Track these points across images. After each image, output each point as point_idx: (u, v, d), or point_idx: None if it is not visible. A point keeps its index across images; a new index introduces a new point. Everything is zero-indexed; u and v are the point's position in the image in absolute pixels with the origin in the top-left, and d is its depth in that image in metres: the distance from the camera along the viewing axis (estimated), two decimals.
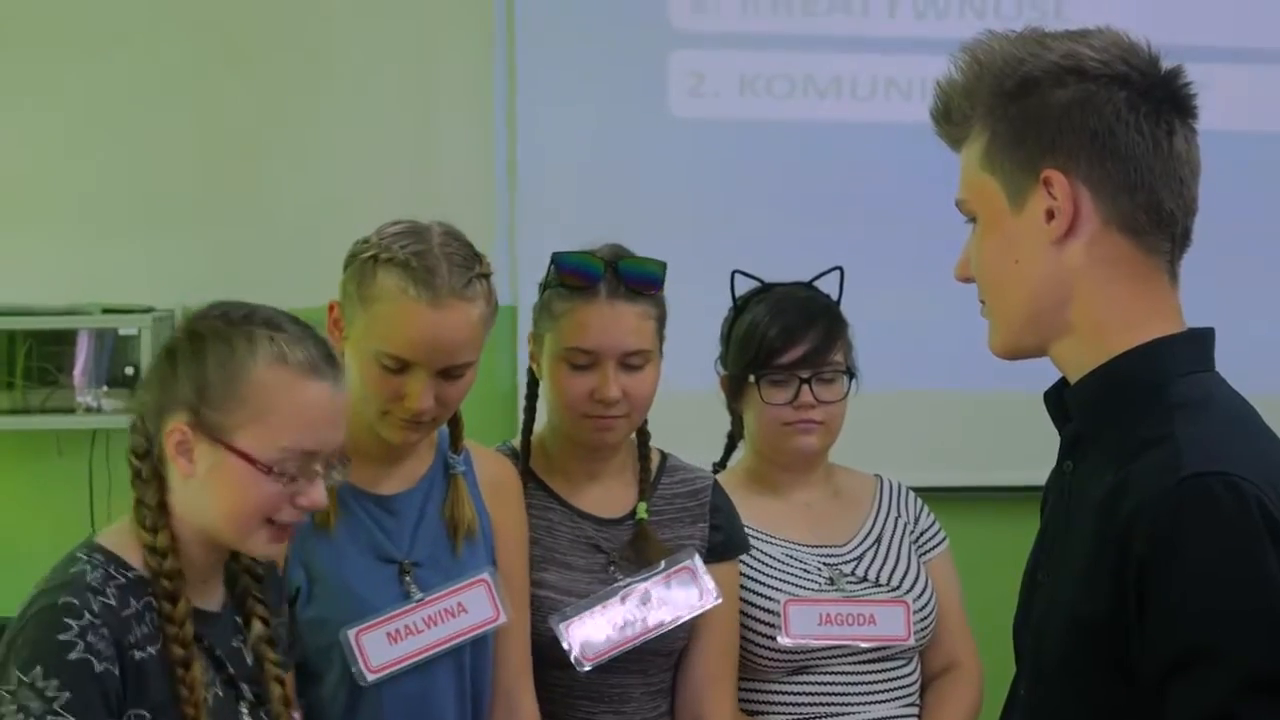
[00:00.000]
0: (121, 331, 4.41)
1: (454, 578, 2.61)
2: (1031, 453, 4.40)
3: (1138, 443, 1.82)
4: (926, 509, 3.20)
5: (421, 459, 2.67)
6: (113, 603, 2.15)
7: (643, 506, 2.89)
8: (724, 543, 2.95)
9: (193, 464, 2.19)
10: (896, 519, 3.16)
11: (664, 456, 2.96)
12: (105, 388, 4.40)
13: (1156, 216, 1.88)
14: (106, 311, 4.45)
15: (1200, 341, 1.92)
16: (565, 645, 2.75)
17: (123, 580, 2.19)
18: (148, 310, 4.48)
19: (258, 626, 2.32)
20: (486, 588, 2.64)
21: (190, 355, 2.20)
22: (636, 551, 2.86)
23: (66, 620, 2.11)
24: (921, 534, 3.17)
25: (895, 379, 4.18)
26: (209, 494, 2.20)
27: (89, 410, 4.36)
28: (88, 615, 2.12)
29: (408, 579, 2.59)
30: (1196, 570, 1.74)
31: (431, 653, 2.57)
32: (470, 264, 2.54)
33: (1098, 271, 1.88)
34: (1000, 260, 1.92)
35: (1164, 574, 1.75)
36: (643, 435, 2.92)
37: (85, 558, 2.20)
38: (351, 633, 2.52)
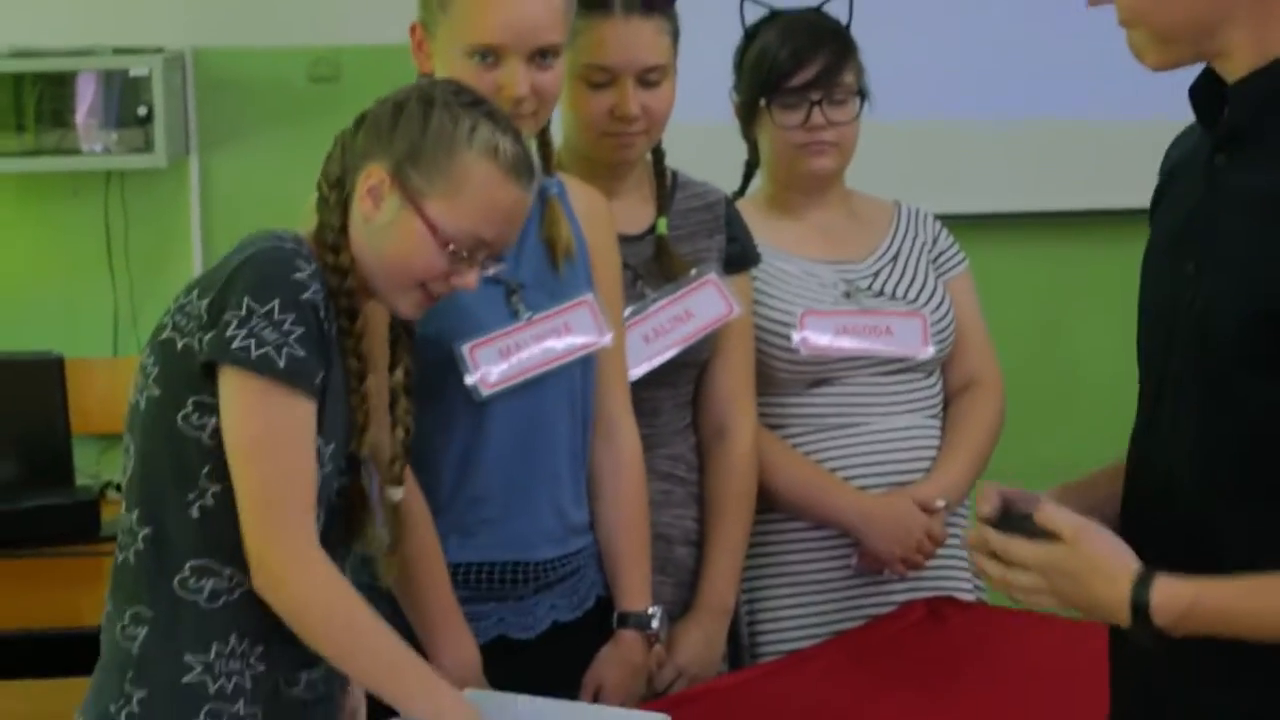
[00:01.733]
0: (132, 73, 4.37)
1: (557, 298, 2.68)
2: (1047, 180, 4.47)
3: None
4: (946, 231, 3.24)
5: None
6: (316, 269, 2.26)
7: (662, 222, 2.94)
8: (740, 254, 3.01)
9: (378, 209, 2.29)
10: (914, 239, 3.20)
11: (674, 173, 3.00)
12: (116, 130, 4.35)
13: None
14: (117, 52, 4.39)
15: None
16: None
17: (315, 265, 2.28)
18: (158, 51, 4.42)
19: (399, 373, 2.42)
20: (590, 309, 2.70)
21: (417, 116, 2.30)
22: (660, 266, 2.92)
23: (299, 262, 2.23)
24: (940, 254, 3.21)
25: (916, 107, 4.13)
26: (383, 241, 2.30)
27: (96, 153, 4.32)
28: (313, 264, 2.25)
29: (514, 298, 2.66)
30: None
31: (541, 370, 2.63)
32: None
33: None
34: None
35: None
36: (657, 153, 2.97)
37: (280, 234, 2.29)
38: (466, 347, 2.59)
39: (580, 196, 2.77)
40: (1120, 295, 4.43)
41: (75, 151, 4.36)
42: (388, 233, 2.29)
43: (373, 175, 2.29)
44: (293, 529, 2.21)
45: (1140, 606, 1.88)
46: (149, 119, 4.34)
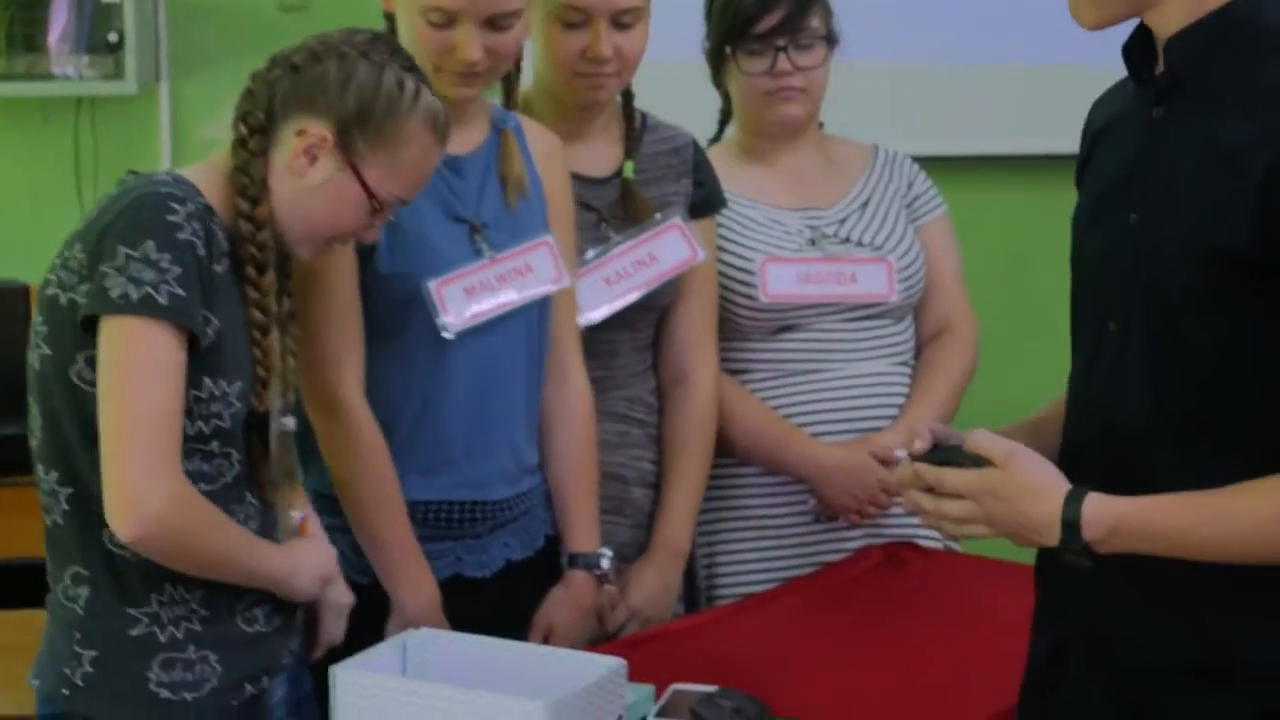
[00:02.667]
0: None
1: (517, 237, 2.68)
2: (1015, 123, 4.46)
3: (1267, 89, 1.90)
4: (923, 175, 3.24)
5: (480, 124, 2.71)
6: (199, 210, 2.23)
7: (629, 165, 2.94)
8: (705, 198, 3.01)
9: (311, 168, 2.28)
10: (888, 183, 3.19)
11: (644, 116, 2.99)
12: (87, 55, 4.33)
13: None
14: None
15: None
16: None
17: (201, 201, 2.25)
18: None
19: (286, 304, 2.39)
20: (550, 251, 2.71)
21: (366, 78, 2.28)
22: (625, 209, 2.92)
23: (173, 205, 2.20)
24: (916, 199, 3.20)
25: (894, 51, 4.12)
26: (311, 199, 2.29)
27: (68, 78, 4.29)
28: (190, 205, 2.21)
29: (478, 238, 2.66)
30: None
31: (506, 309, 2.64)
32: None
33: None
34: None
35: None
36: (627, 95, 2.96)
37: (174, 176, 2.28)
38: (434, 285, 2.59)
39: (537, 136, 2.77)
40: None
41: (46, 77, 4.33)
42: (318, 192, 2.28)
43: (311, 133, 2.26)
44: (159, 461, 2.16)
45: (1070, 522, 1.93)
46: (120, 45, 4.31)
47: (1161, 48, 2.00)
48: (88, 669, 2.25)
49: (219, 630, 2.29)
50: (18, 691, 2.51)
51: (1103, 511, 1.92)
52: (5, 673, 2.75)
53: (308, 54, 2.29)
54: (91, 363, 2.19)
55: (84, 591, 2.26)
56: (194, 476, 2.23)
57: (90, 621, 2.26)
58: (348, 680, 2.22)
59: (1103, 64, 4.26)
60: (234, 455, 2.29)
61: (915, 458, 2.03)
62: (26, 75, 4.35)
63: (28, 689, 2.33)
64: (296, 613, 2.42)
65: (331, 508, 2.60)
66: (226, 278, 2.26)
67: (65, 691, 2.26)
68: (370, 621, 2.53)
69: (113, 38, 4.34)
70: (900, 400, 3.11)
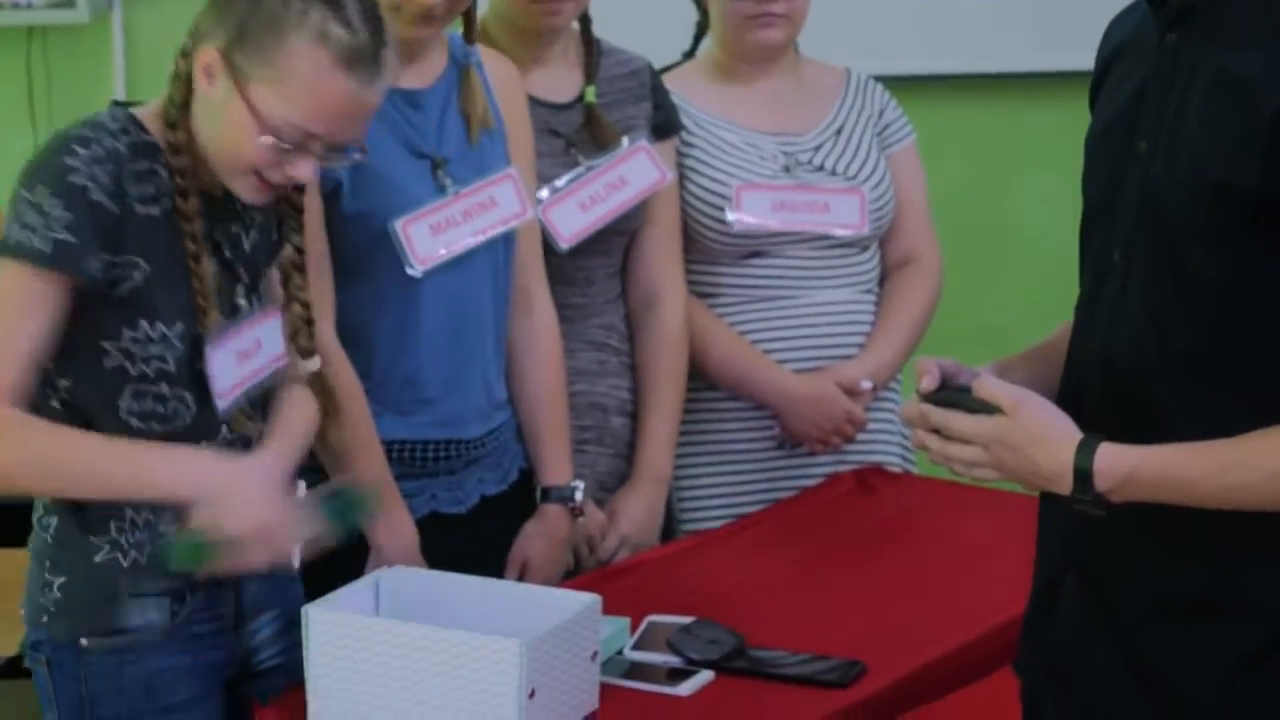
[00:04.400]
0: None
1: (480, 171, 2.66)
2: (983, 42, 4.44)
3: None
4: (894, 103, 3.22)
5: (438, 57, 2.67)
6: (123, 149, 2.21)
7: (590, 90, 2.91)
8: (665, 121, 3.00)
9: (212, 89, 2.23)
10: (860, 111, 3.17)
11: (597, 40, 2.97)
12: None
13: None
14: None
15: None
16: (546, 227, 2.81)
17: (137, 139, 2.24)
18: None
19: (289, 250, 2.38)
20: (513, 183, 2.68)
21: None
22: (591, 134, 2.90)
23: (75, 148, 2.19)
24: (886, 127, 3.19)
25: None
26: (213, 123, 2.24)
27: (18, 6, 4.22)
28: (96, 148, 2.19)
29: (440, 173, 2.63)
30: None
31: (472, 243, 2.62)
32: None
33: None
34: None
35: None
36: (585, 20, 2.94)
37: (109, 111, 2.27)
38: (399, 224, 2.56)
39: (496, 67, 2.74)
40: (1054, 158, 4.46)
41: None
42: (218, 114, 2.23)
43: (206, 54, 2.22)
44: None
45: (1083, 472, 1.90)
46: None
47: None
48: (57, 595, 2.28)
49: None
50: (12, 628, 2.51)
51: (1115, 461, 1.90)
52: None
53: None
54: None
55: (53, 521, 2.30)
56: (146, 417, 2.24)
57: (58, 550, 2.29)
58: (321, 620, 2.20)
59: None
60: (187, 396, 2.27)
61: (923, 397, 2.00)
62: None
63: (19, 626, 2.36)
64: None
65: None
66: (161, 220, 2.23)
67: (43, 619, 2.30)
68: (349, 563, 2.51)
69: None
70: (865, 329, 3.11)
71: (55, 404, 2.25)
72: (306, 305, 2.38)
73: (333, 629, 2.19)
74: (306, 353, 2.39)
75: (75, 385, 2.24)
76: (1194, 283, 1.91)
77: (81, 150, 2.18)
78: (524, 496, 2.77)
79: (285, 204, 2.37)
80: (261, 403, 2.38)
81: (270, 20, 2.19)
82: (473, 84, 2.66)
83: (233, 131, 2.21)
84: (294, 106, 2.20)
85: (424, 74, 2.64)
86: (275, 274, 2.40)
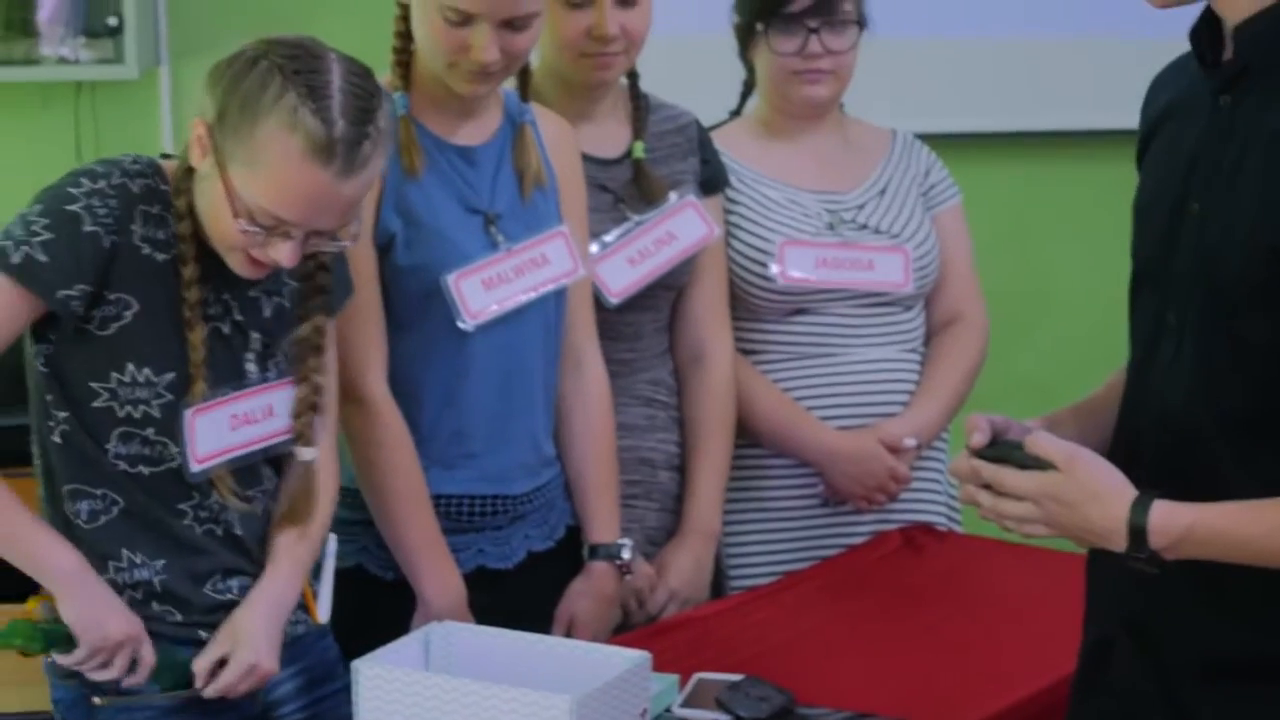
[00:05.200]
0: None
1: (532, 228, 2.66)
2: (1020, 100, 4.45)
3: None
4: (939, 163, 3.22)
5: (493, 114, 2.68)
6: (135, 190, 2.23)
7: (639, 145, 2.93)
8: (713, 176, 3.01)
9: (202, 161, 2.23)
10: (906, 170, 3.18)
11: (645, 96, 2.98)
12: (85, 38, 4.29)
13: None
14: None
15: None
16: (594, 282, 2.82)
17: (154, 186, 2.26)
18: None
19: (308, 329, 2.36)
20: (565, 240, 2.69)
21: (236, 74, 2.19)
22: (640, 189, 2.91)
23: (82, 179, 2.22)
24: (932, 187, 3.19)
25: (916, 25, 4.10)
26: (206, 194, 2.24)
27: (66, 61, 4.26)
28: (104, 184, 2.21)
29: (493, 229, 2.63)
30: None
31: (523, 299, 2.62)
32: None
33: None
34: None
35: None
36: (632, 75, 2.95)
37: (134, 157, 2.28)
38: (451, 278, 2.56)
39: (549, 124, 2.75)
40: (1090, 214, 4.47)
41: (44, 62, 4.30)
42: (207, 187, 2.23)
43: (198, 126, 2.21)
44: None
45: (1138, 529, 1.90)
46: (120, 29, 4.28)
47: (1229, 34, 1.96)
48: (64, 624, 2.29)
49: (186, 597, 2.32)
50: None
51: (1170, 519, 1.90)
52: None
53: (231, 56, 2.24)
54: (34, 336, 2.26)
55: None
56: (135, 460, 2.27)
57: None
58: (370, 674, 2.20)
59: (1104, 37, 4.29)
60: (171, 446, 2.28)
61: (974, 453, 2.00)
62: (24, 60, 4.31)
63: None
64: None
65: (354, 501, 2.59)
66: (165, 266, 2.25)
67: (57, 676, 2.32)
68: (395, 617, 2.51)
69: (112, 21, 4.31)
70: (909, 388, 3.11)
71: (55, 437, 2.28)
72: (318, 390, 2.36)
73: (382, 683, 2.19)
74: (304, 440, 2.36)
75: (70, 421, 2.26)
76: (1248, 345, 1.91)
77: (87, 182, 2.20)
78: (571, 553, 2.77)
79: (311, 282, 2.36)
80: (272, 469, 2.38)
81: (246, 102, 2.16)
82: (527, 141, 2.68)
83: (216, 207, 2.21)
84: (263, 192, 2.17)
85: (479, 131, 2.65)
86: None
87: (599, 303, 2.83)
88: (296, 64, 2.17)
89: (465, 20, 2.49)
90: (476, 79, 2.55)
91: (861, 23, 3.05)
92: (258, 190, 2.17)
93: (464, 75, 2.54)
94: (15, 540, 2.25)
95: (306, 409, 2.36)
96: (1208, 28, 2.00)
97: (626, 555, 2.77)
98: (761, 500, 3.09)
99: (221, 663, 2.30)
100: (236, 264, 2.26)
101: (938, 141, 3.32)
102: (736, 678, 2.46)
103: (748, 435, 3.07)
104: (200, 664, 2.30)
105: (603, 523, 2.77)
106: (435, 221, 2.57)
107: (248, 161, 2.17)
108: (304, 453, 2.37)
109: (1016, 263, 4.55)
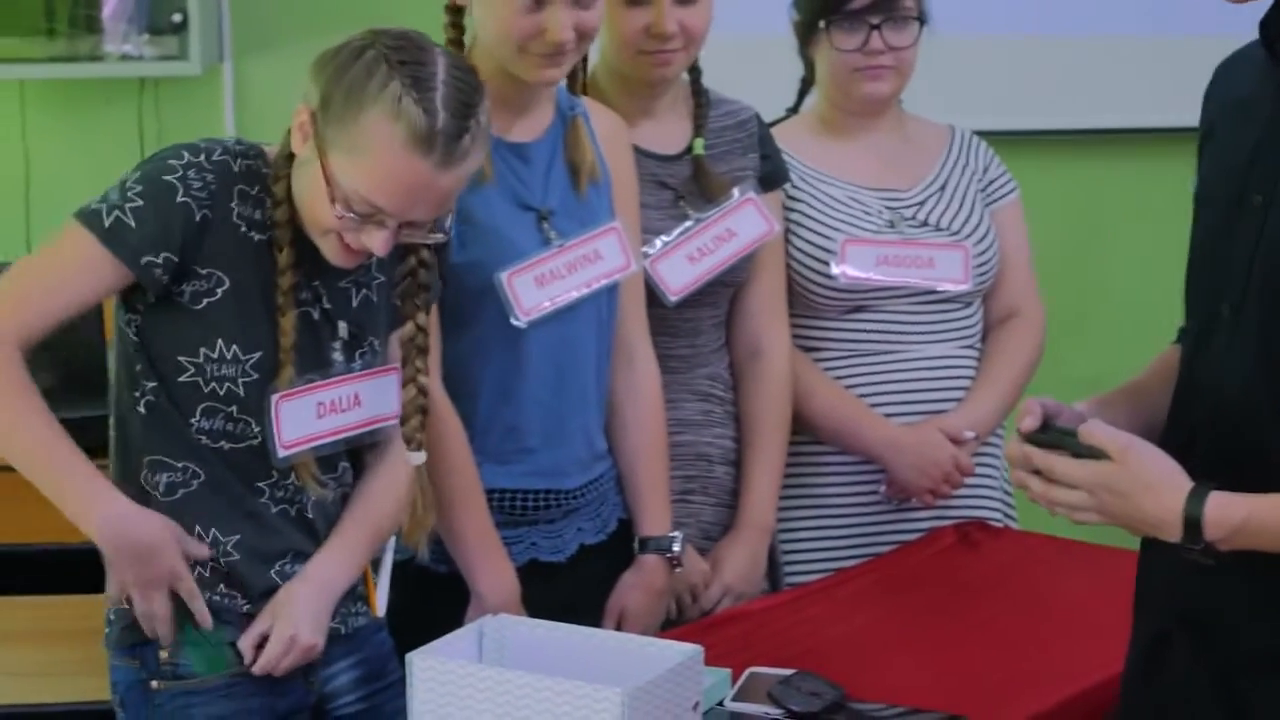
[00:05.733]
0: None
1: (585, 223, 2.68)
2: (1072, 98, 4.44)
3: None
4: (997, 159, 3.22)
5: (545, 110, 2.69)
6: (237, 169, 2.26)
7: (699, 142, 2.93)
8: (773, 172, 3.01)
9: (303, 147, 2.26)
10: (964, 167, 3.18)
11: (707, 91, 2.98)
12: (149, 35, 4.33)
13: None
14: None
15: None
16: (653, 280, 2.82)
17: (256, 167, 2.29)
18: None
19: (411, 328, 2.39)
20: (618, 236, 2.70)
21: (343, 63, 2.22)
22: (700, 186, 2.91)
23: (182, 152, 2.25)
24: (990, 183, 3.19)
25: (973, 22, 4.10)
26: (304, 179, 2.27)
27: (129, 57, 4.29)
28: (204, 159, 2.24)
29: (546, 225, 2.65)
30: None
31: (575, 295, 2.64)
32: None
33: None
34: None
35: None
36: (694, 71, 2.95)
37: (241, 140, 2.32)
38: (504, 275, 2.58)
39: (601, 119, 2.76)
40: (1147, 212, 4.46)
41: (107, 58, 4.33)
42: (306, 173, 2.26)
43: (302, 112, 2.24)
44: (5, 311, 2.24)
45: (1193, 520, 1.89)
46: (184, 26, 4.31)
47: None
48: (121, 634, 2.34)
49: (255, 578, 2.35)
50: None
51: (1226, 511, 1.89)
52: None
53: (339, 45, 2.26)
54: (125, 306, 2.30)
55: None
56: (217, 435, 2.30)
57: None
58: (424, 667, 2.22)
59: (1161, 35, 4.27)
60: (252, 425, 2.30)
61: (1025, 437, 1.99)
62: (89, 57, 4.35)
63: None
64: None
65: None
66: (259, 247, 2.28)
67: (117, 660, 2.36)
68: (449, 610, 2.53)
69: (176, 18, 4.34)
70: (967, 384, 3.11)
71: (141, 408, 2.30)
72: (424, 392, 2.39)
73: (437, 676, 2.20)
74: (415, 444, 2.39)
75: (158, 392, 2.29)
76: None
77: (188, 155, 2.24)
78: (623, 546, 2.78)
79: (411, 280, 2.38)
80: (352, 459, 2.41)
81: (351, 90, 2.19)
82: (580, 134, 2.69)
83: (314, 193, 2.24)
84: (362, 180, 2.20)
85: (532, 128, 2.67)
86: (397, 347, 2.41)
87: (657, 299, 2.84)
88: (402, 54, 2.21)
89: (539, 4, 2.51)
90: (549, 62, 2.56)
91: (922, 19, 3.05)
92: (357, 177, 2.20)
93: (536, 61, 2.56)
94: (56, 487, 2.26)
95: (415, 411, 2.39)
96: (1279, 18, 1.97)
97: (677, 548, 2.78)
98: (817, 496, 3.09)
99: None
100: (330, 251, 2.28)
101: (994, 138, 3.32)
102: (788, 672, 2.46)
103: (806, 431, 3.08)
104: (245, 640, 2.33)
105: (654, 516, 2.78)
106: (489, 219, 2.58)
107: (349, 149, 2.20)
108: (415, 457, 2.40)
109: (1072, 260, 4.54)
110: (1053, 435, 1.99)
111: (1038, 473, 1.99)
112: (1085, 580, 2.84)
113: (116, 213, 2.21)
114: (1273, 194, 1.95)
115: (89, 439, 3.77)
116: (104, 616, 2.39)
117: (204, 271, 2.25)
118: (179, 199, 2.21)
